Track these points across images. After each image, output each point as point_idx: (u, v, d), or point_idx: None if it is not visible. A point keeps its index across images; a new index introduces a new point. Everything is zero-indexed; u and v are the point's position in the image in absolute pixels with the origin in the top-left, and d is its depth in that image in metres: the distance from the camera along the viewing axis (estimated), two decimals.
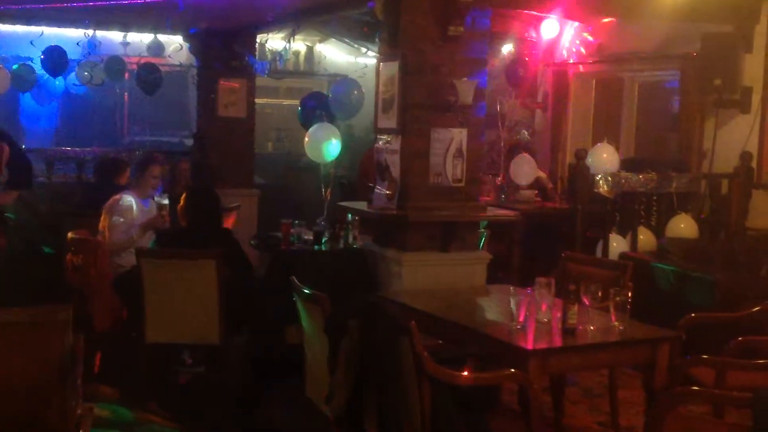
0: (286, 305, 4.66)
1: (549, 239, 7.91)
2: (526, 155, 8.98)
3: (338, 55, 13.34)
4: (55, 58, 10.12)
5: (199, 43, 10.03)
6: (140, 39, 10.65)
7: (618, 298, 4.26)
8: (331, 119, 9.11)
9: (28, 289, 6.05)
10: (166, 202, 6.42)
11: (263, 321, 5.82)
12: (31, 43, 10.08)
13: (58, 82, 11.31)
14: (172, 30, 10.10)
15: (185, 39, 10.23)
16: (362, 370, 3.93)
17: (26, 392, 3.34)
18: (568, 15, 8.89)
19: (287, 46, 9.96)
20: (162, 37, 10.66)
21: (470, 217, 6.04)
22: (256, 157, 10.55)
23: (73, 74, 10.88)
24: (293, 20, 8.99)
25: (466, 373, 3.84)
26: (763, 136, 7.47)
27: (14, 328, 3.41)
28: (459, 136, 5.87)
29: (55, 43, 10.16)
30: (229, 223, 7.42)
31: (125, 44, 10.30)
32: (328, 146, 7.34)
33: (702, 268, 6.27)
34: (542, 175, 9.28)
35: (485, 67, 6.13)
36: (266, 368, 5.78)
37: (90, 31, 9.77)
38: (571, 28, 9.51)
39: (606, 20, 8.95)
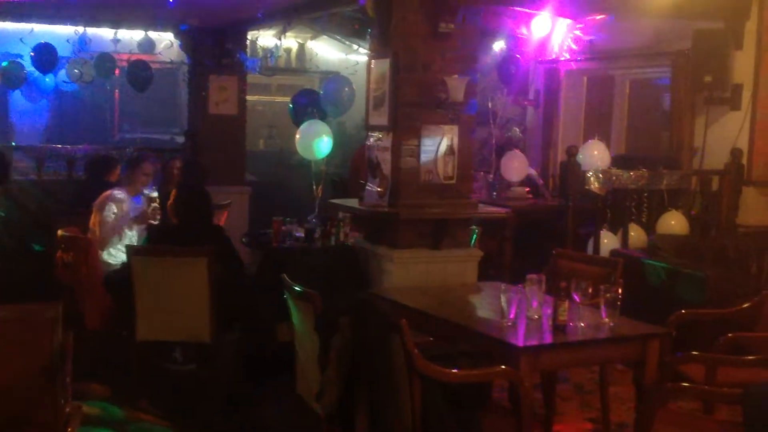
0: (277, 303, 4.65)
1: (540, 236, 7.92)
2: (516, 151, 8.99)
3: (330, 52, 13.32)
4: (45, 55, 10.08)
5: (190, 40, 10.01)
6: (131, 36, 10.62)
7: (608, 295, 4.26)
8: (323, 116, 9.10)
9: (18, 286, 6.04)
10: (155, 194, 6.42)
11: (254, 319, 5.81)
12: (21, 40, 10.04)
13: (48, 79, 11.28)
14: (162, 27, 10.07)
15: (176, 36, 10.21)
16: (353, 368, 3.93)
17: (15, 390, 3.33)
18: (560, 12, 8.90)
19: (278, 43, 9.95)
20: (153, 35, 10.63)
21: (461, 215, 6.04)
22: (247, 154, 10.55)
23: (63, 71, 10.86)
24: (284, 17, 8.98)
25: (456, 370, 3.84)
26: (753, 132, 7.48)
27: (3, 325, 3.40)
28: (450, 133, 5.86)
29: (45, 40, 10.12)
30: (221, 220, 7.41)
31: (116, 41, 10.26)
32: (319, 143, 7.33)
33: (692, 265, 6.28)
34: (532, 172, 9.29)
35: (476, 64, 6.12)
36: (257, 366, 5.78)
37: (80, 28, 9.74)
38: (563, 26, 9.51)
39: (597, 17, 8.96)
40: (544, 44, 9.79)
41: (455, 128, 5.89)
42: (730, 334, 4.59)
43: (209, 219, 6.02)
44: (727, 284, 5.97)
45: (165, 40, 10.61)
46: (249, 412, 5.43)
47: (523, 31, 9.63)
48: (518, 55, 9.74)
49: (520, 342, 4.04)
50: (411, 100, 5.80)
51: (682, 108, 8.07)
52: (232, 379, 5.81)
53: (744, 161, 7.41)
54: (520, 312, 4.26)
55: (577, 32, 9.34)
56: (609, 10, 8.36)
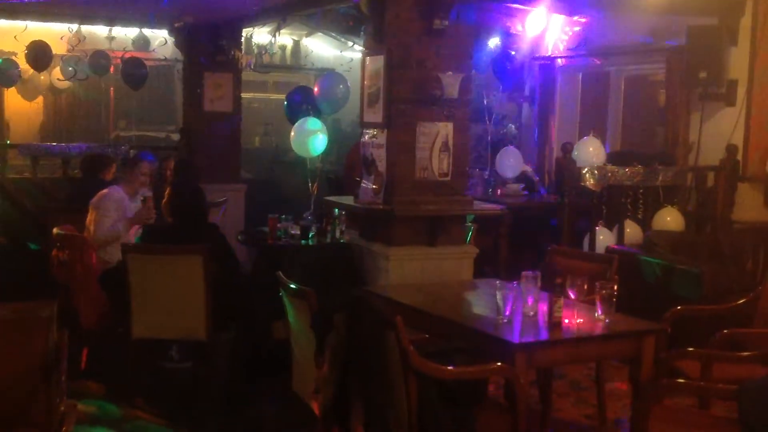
0: (273, 300, 4.65)
1: (535, 233, 7.92)
2: (511, 147, 8.99)
3: (325, 49, 13.31)
4: (40, 53, 10.06)
5: (185, 37, 9.98)
6: (125, 34, 10.60)
7: (604, 292, 4.26)
8: (318, 114, 9.08)
9: (13, 285, 6.02)
10: (150, 194, 6.41)
11: (250, 316, 5.81)
12: (15, 38, 10.01)
13: (43, 77, 11.26)
14: (157, 24, 10.05)
15: (170, 33, 10.19)
16: (349, 365, 3.93)
17: (10, 389, 3.33)
18: (554, 8, 8.90)
19: (273, 40, 9.93)
20: (147, 32, 10.61)
21: (457, 211, 6.04)
22: (243, 151, 10.53)
23: (57, 69, 10.83)
24: (279, 14, 8.96)
25: (451, 367, 3.84)
26: (748, 128, 7.49)
27: None
28: (445, 130, 5.86)
29: (39, 38, 10.09)
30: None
31: (110, 39, 10.24)
32: (314, 141, 7.33)
33: (688, 261, 6.29)
34: (528, 168, 9.29)
35: (471, 60, 6.12)
36: (253, 363, 5.77)
37: (75, 26, 9.72)
38: (557, 22, 9.51)
39: (592, 13, 8.96)
40: (539, 41, 9.79)
41: (450, 125, 5.88)
42: (725, 331, 4.59)
43: (204, 217, 6.01)
44: (722, 280, 5.98)
45: (159, 37, 10.59)
46: (245, 409, 5.43)
47: (518, 27, 9.63)
48: (513, 52, 9.74)
49: (515, 339, 4.04)
50: (405, 97, 5.80)
51: (677, 104, 8.07)
52: (228, 376, 5.80)
53: (739, 157, 7.42)
54: (515, 309, 4.26)
55: (572, 28, 9.34)
56: (603, 6, 8.36)
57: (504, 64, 9.73)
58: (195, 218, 5.76)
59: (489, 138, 9.74)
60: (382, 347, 3.74)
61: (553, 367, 5.31)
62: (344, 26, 10.33)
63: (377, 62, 5.90)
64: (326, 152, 7.72)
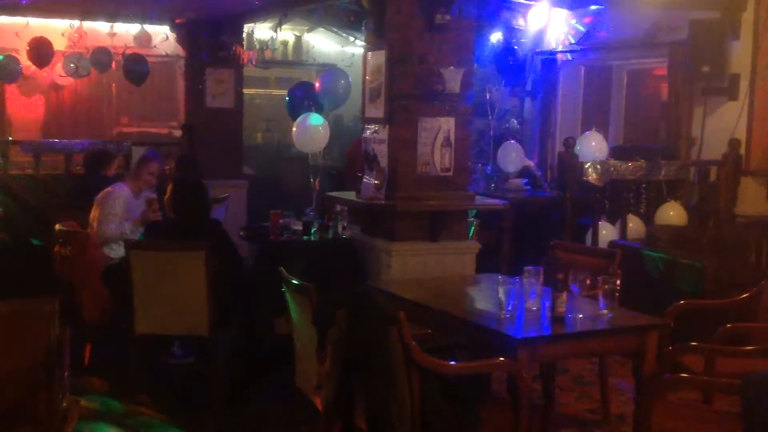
0: (275, 296, 4.64)
1: (538, 228, 7.91)
2: (512, 142, 8.98)
3: (327, 44, 13.29)
4: (41, 50, 10.06)
5: (186, 33, 9.98)
6: (126, 30, 10.59)
7: (607, 286, 4.26)
8: (319, 109, 9.08)
9: (16, 281, 6.01)
10: (154, 195, 6.41)
11: (253, 312, 5.81)
12: (17, 35, 10.00)
13: (45, 73, 11.25)
14: (158, 20, 10.04)
15: (172, 29, 10.18)
16: (351, 361, 3.93)
17: (12, 385, 3.32)
18: (557, 2, 8.88)
19: (274, 36, 9.92)
20: (149, 28, 10.60)
21: (459, 207, 6.03)
22: (245, 147, 10.52)
23: (59, 65, 10.83)
24: (280, 9, 8.95)
25: (454, 362, 3.84)
26: (751, 122, 7.48)
27: (0, 320, 3.39)
28: (446, 125, 5.85)
29: (41, 34, 10.09)
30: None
31: (112, 35, 10.24)
32: (315, 136, 7.31)
33: (691, 256, 6.28)
34: (530, 163, 9.28)
35: (473, 55, 6.10)
36: (256, 359, 5.77)
37: (76, 22, 9.72)
38: (560, 16, 9.49)
39: (594, 7, 8.94)
40: (541, 35, 9.78)
41: (452, 120, 5.87)
42: (728, 325, 4.58)
43: (206, 213, 6.01)
44: (725, 274, 5.97)
45: (161, 33, 10.58)
46: (248, 405, 5.43)
47: (520, 22, 9.61)
48: (515, 47, 9.73)
49: (518, 333, 4.03)
50: (407, 92, 5.78)
51: (679, 98, 8.06)
52: (230, 372, 5.80)
53: (742, 151, 7.42)
54: (518, 304, 4.26)
55: (574, 23, 9.33)
56: (606, 0, 8.35)
57: (506, 59, 9.71)
58: (197, 214, 5.76)
59: (491, 133, 9.73)
60: (385, 343, 3.73)
61: (556, 362, 5.31)
62: (346, 21, 10.34)
63: (379, 57, 5.88)
64: (328, 148, 7.71)
